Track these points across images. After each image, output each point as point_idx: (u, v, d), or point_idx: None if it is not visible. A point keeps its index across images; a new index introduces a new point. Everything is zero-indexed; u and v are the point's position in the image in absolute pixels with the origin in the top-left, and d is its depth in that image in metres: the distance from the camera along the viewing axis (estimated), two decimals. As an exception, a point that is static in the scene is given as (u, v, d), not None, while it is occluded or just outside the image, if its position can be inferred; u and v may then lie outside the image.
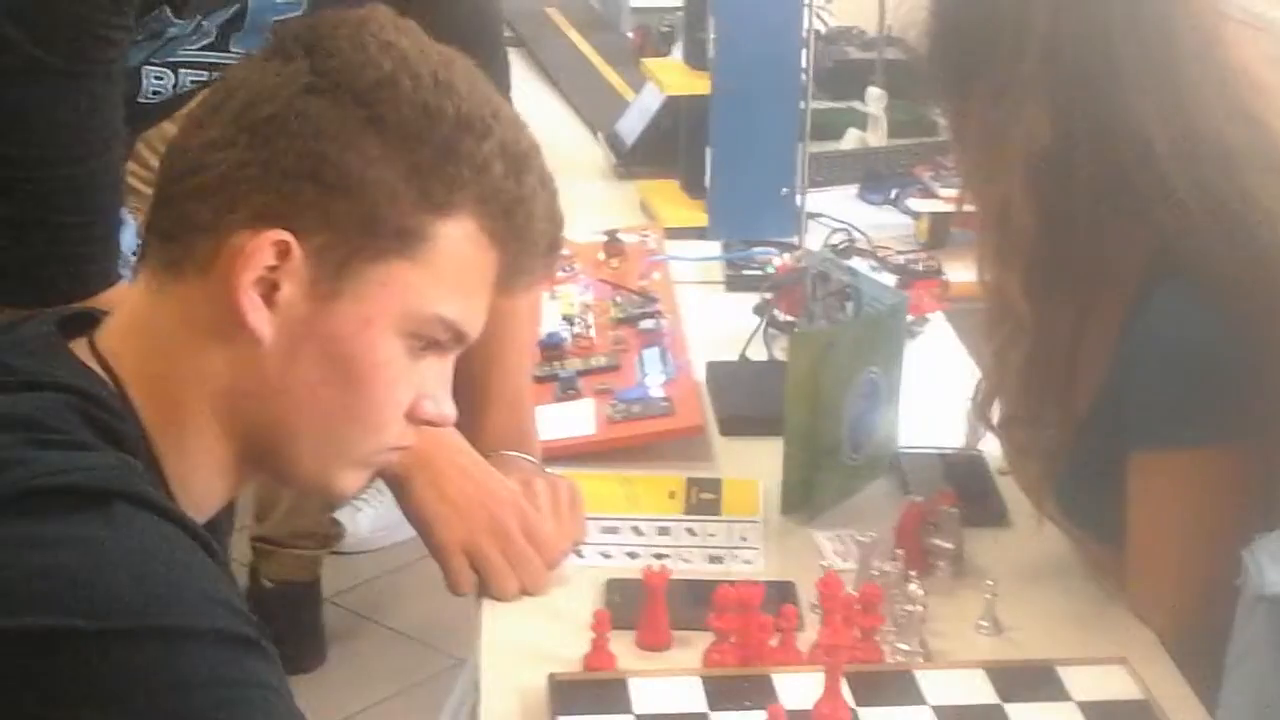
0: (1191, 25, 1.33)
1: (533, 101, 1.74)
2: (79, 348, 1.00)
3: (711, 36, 2.19)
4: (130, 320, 1.02)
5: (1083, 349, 1.38)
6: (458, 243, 1.00)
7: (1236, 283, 1.28)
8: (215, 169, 0.97)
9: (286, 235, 0.96)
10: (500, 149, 1.00)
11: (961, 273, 2.11)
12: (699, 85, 2.24)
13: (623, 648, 1.30)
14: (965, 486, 1.55)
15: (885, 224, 2.32)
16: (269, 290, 0.97)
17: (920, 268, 2.09)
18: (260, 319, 0.97)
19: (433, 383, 1.04)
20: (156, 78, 1.51)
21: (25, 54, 1.26)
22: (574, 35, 3.24)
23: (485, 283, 1.03)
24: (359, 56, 0.99)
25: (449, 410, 1.06)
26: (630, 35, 3.13)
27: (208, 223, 0.97)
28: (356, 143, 0.97)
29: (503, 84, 1.70)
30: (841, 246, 2.15)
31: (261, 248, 0.96)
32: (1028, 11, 1.31)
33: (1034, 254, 1.35)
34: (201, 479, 1.02)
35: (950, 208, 2.21)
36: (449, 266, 1.00)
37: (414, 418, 1.04)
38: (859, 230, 2.23)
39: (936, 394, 1.74)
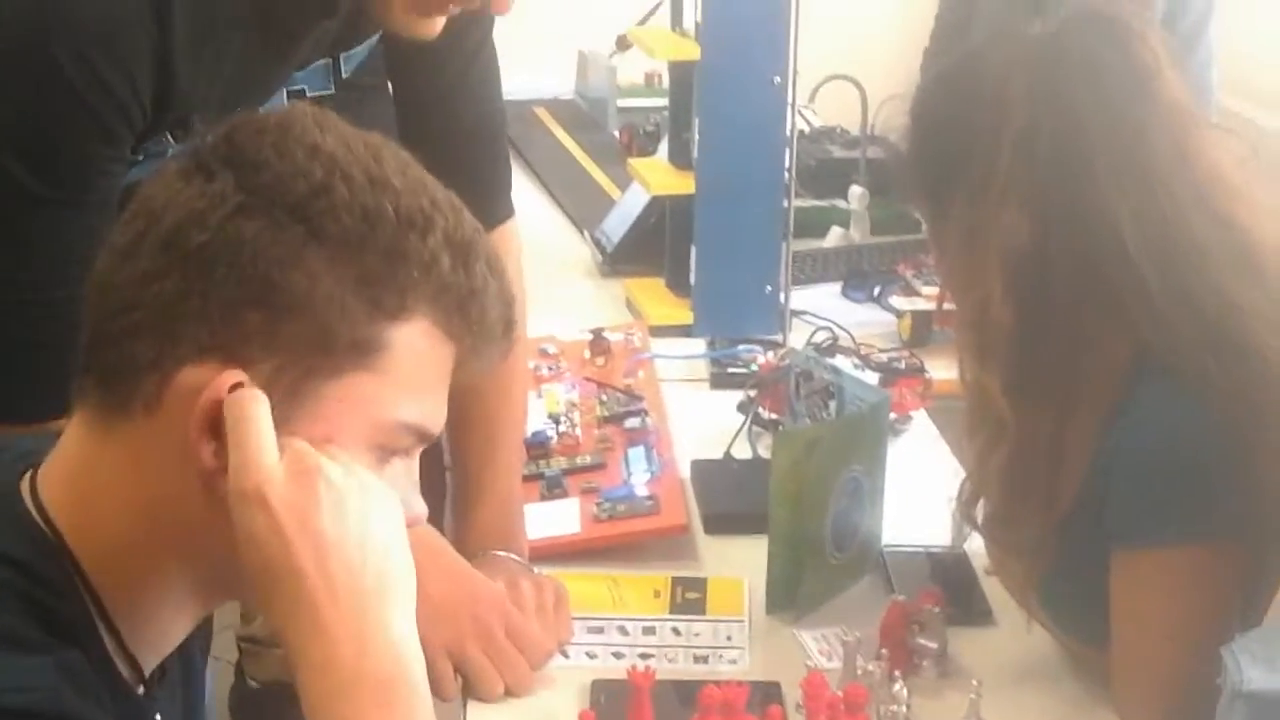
0: (1165, 127, 1.35)
1: (520, 200, 1.77)
2: (28, 488, 0.97)
3: (696, 137, 2.22)
4: (71, 466, 0.97)
5: (1064, 447, 1.39)
6: (414, 345, 0.96)
7: (1216, 382, 1.28)
8: (152, 304, 0.93)
9: (238, 373, 0.92)
10: (445, 240, 0.97)
11: (944, 371, 2.13)
12: (684, 184, 2.26)
13: (608, 749, 1.30)
14: (950, 585, 1.56)
15: (868, 321, 2.34)
16: (220, 423, 0.92)
17: (903, 366, 2.11)
18: (213, 454, 0.93)
19: (401, 484, 1.00)
20: None
21: (27, 188, 1.28)
22: (561, 134, 3.27)
23: (444, 378, 1.00)
24: (287, 167, 0.94)
25: (420, 509, 1.03)
26: (617, 134, 3.16)
27: (151, 360, 0.93)
28: (299, 260, 0.92)
29: (505, 183, 1.73)
30: (825, 345, 2.17)
31: (211, 383, 0.92)
32: (1004, 112, 1.33)
33: (1013, 353, 1.36)
34: (161, 620, 0.99)
35: (932, 306, 2.23)
36: (407, 370, 0.97)
37: None
38: (842, 328, 2.24)
39: (921, 492, 1.75)
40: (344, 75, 1.54)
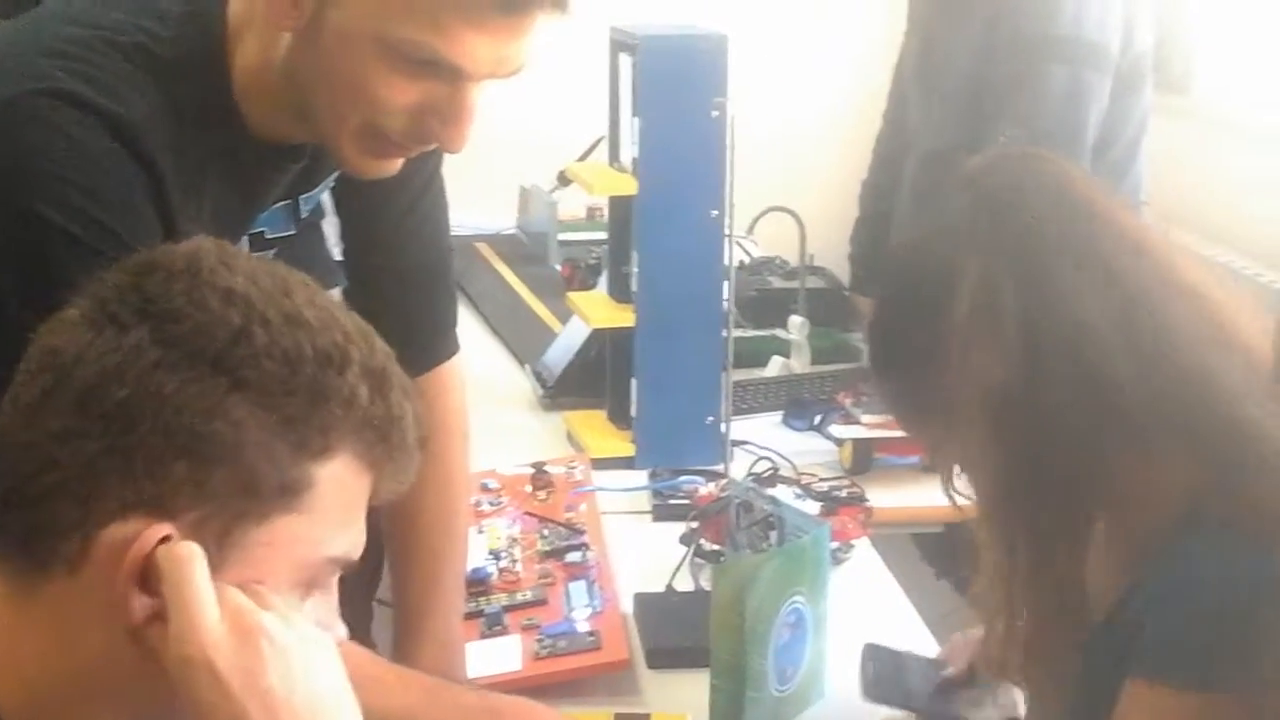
0: (1116, 231, 1.34)
1: (462, 335, 1.77)
2: None
3: (635, 270, 2.24)
4: None
5: (1087, 581, 1.34)
6: (338, 480, 0.96)
7: (1272, 530, 1.23)
8: (72, 463, 0.91)
9: (165, 527, 0.91)
10: (362, 371, 0.97)
11: (885, 498, 2.14)
12: (623, 317, 2.28)
13: None
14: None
15: (810, 450, 2.35)
16: (150, 575, 0.91)
17: (844, 494, 2.11)
18: (145, 607, 0.92)
19: (323, 611, 0.99)
20: None
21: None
22: (503, 269, 3.29)
23: (364, 505, 1.00)
24: (203, 315, 0.94)
25: (341, 632, 1.02)
26: (559, 268, 3.18)
27: (74, 521, 0.91)
28: (222, 410, 0.92)
29: (452, 319, 1.73)
30: (765, 474, 2.17)
31: (140, 537, 0.91)
32: (956, 268, 1.32)
33: (1017, 494, 1.32)
34: None
35: (872, 433, 2.24)
36: (332, 506, 0.96)
37: None
38: (783, 457, 2.25)
39: (865, 621, 1.74)
40: (302, 216, 1.55)
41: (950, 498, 1.41)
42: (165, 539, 0.91)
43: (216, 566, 0.92)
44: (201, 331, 0.93)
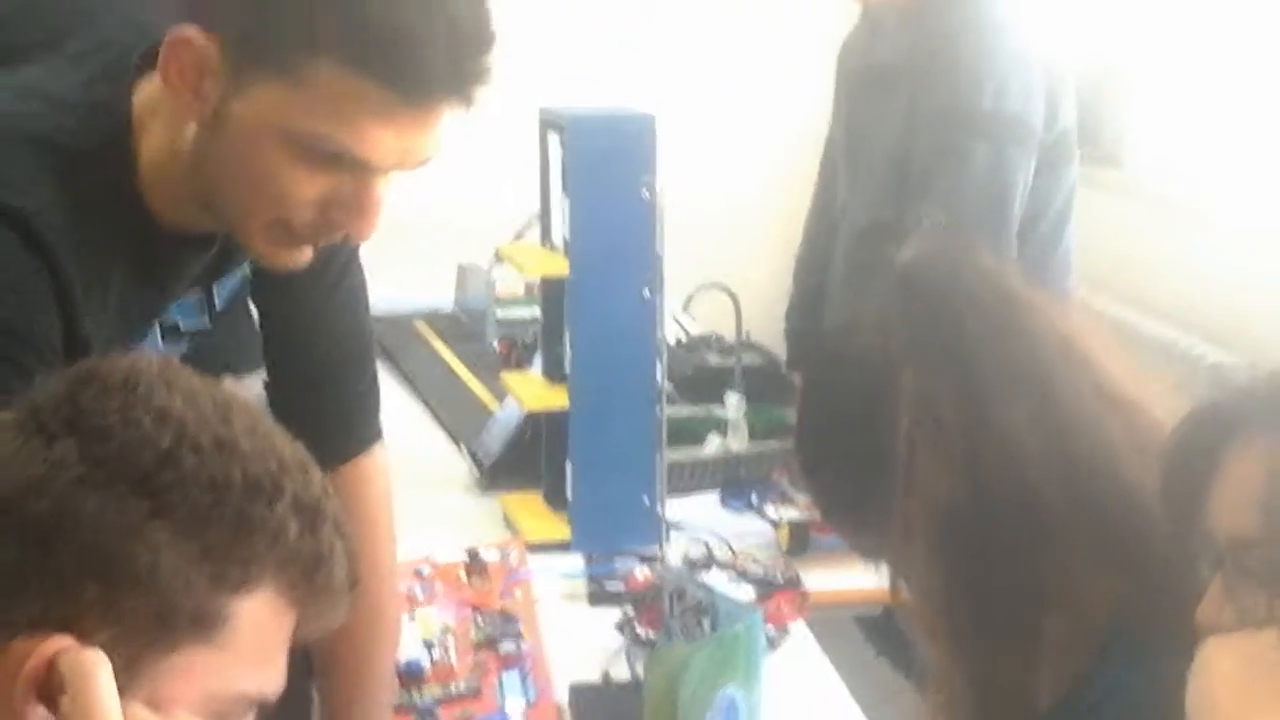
0: (1045, 328, 1.35)
1: (398, 415, 1.76)
2: None
3: (568, 351, 2.23)
4: None
5: (1037, 694, 1.33)
6: (257, 615, 0.93)
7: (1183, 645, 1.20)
8: None
9: (67, 638, 0.88)
10: (293, 504, 0.94)
11: (822, 581, 2.13)
12: (558, 398, 2.27)
13: None
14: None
15: (747, 531, 2.33)
16: (55, 692, 0.88)
17: (780, 578, 2.10)
18: None
19: None
20: None
21: None
22: (440, 347, 3.28)
23: (284, 644, 0.97)
24: (133, 435, 0.91)
25: None
26: (496, 346, 3.17)
27: None
28: (141, 535, 0.89)
29: (374, 407, 1.71)
30: (700, 559, 2.16)
31: (38, 648, 0.88)
32: (892, 379, 1.32)
33: (961, 611, 1.32)
34: None
35: (808, 515, 2.24)
36: (248, 643, 0.93)
37: None
38: (720, 538, 2.24)
39: (801, 707, 1.73)
40: (218, 307, 1.54)
41: (893, 590, 1.40)
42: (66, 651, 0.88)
43: (124, 689, 0.89)
44: (129, 451, 0.91)
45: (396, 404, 2.84)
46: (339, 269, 1.61)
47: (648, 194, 2.14)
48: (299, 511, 0.95)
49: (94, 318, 1.30)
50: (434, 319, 3.47)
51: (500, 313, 3.35)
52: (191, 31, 1.26)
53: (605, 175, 2.15)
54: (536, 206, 2.37)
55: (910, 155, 2.54)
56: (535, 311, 3.18)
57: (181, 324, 1.49)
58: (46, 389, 0.95)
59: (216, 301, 1.52)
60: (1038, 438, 1.29)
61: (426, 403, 2.95)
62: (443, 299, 3.57)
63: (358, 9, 1.21)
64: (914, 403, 1.31)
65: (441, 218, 3.68)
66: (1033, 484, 1.28)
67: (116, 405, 0.92)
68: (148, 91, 1.33)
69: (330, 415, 1.59)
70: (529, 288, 3.50)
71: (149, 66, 1.32)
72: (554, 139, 2.20)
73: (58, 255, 1.27)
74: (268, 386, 1.63)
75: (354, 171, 1.28)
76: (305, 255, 1.37)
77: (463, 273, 3.56)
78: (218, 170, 1.30)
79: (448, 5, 1.23)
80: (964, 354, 1.31)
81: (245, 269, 1.54)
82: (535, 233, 2.45)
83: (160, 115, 1.32)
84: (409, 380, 3.04)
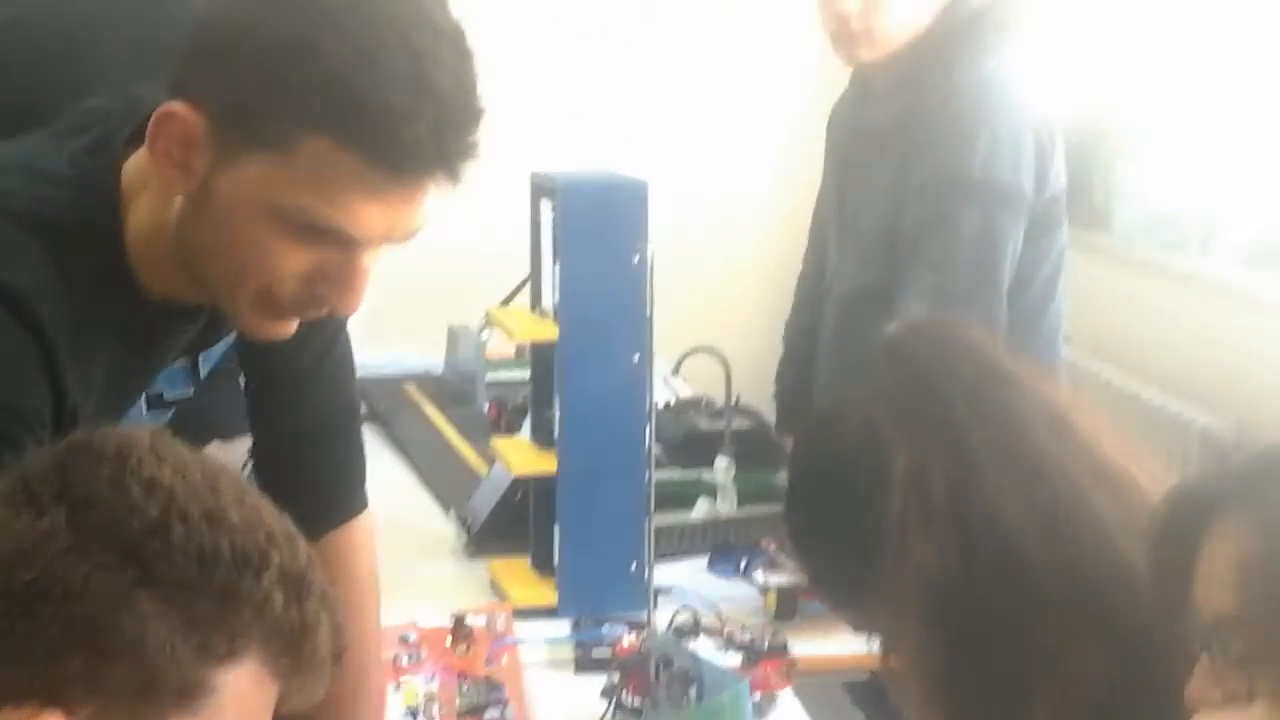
0: (1034, 405, 1.36)
1: (386, 479, 1.76)
2: None
3: (557, 415, 2.23)
4: None
5: None
6: (242, 687, 0.94)
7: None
8: None
9: (56, 715, 0.89)
10: (280, 577, 0.95)
11: (810, 647, 2.12)
12: (546, 463, 2.26)
13: None
14: None
15: (735, 596, 2.32)
16: None
17: (766, 645, 2.09)
18: None
19: None
20: None
21: None
22: (430, 410, 3.27)
23: (268, 714, 0.98)
24: (122, 504, 0.93)
25: None
26: (486, 409, 3.16)
27: None
28: (128, 603, 0.91)
29: (359, 478, 1.71)
30: (687, 625, 2.15)
31: None
32: (882, 464, 1.33)
33: (953, 685, 1.32)
34: None
35: (797, 580, 2.22)
36: (233, 713, 0.94)
37: None
38: (708, 604, 2.23)
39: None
40: (202, 376, 1.54)
41: (883, 659, 1.39)
42: None
43: None
44: (118, 520, 0.92)
45: (385, 467, 2.83)
46: (326, 338, 1.61)
47: (639, 260, 2.14)
48: (285, 583, 0.96)
49: (82, 391, 1.31)
50: (424, 381, 3.46)
51: (491, 375, 3.35)
52: (179, 106, 1.26)
53: (596, 241, 2.15)
54: (527, 270, 2.38)
55: (900, 220, 2.54)
56: (526, 373, 3.18)
57: (166, 393, 1.49)
58: (37, 461, 0.96)
59: (201, 370, 1.52)
60: (1028, 515, 1.29)
61: (416, 466, 2.94)
62: (433, 361, 3.57)
63: (345, 86, 1.22)
64: (904, 480, 1.31)
65: (432, 279, 3.69)
66: (1024, 561, 1.28)
67: (106, 475, 0.94)
68: (135, 165, 1.33)
69: (316, 484, 1.58)
70: (520, 349, 3.49)
71: (137, 140, 1.33)
72: (545, 204, 2.21)
73: (47, 331, 1.27)
74: (253, 453, 1.63)
75: (340, 245, 1.28)
76: (290, 327, 1.37)
77: (453, 335, 3.55)
78: (204, 243, 1.30)
79: (435, 82, 1.23)
80: (953, 432, 1.32)
81: (232, 337, 1.54)
82: (526, 296, 2.45)
83: (148, 189, 1.33)
84: (398, 444, 3.03)
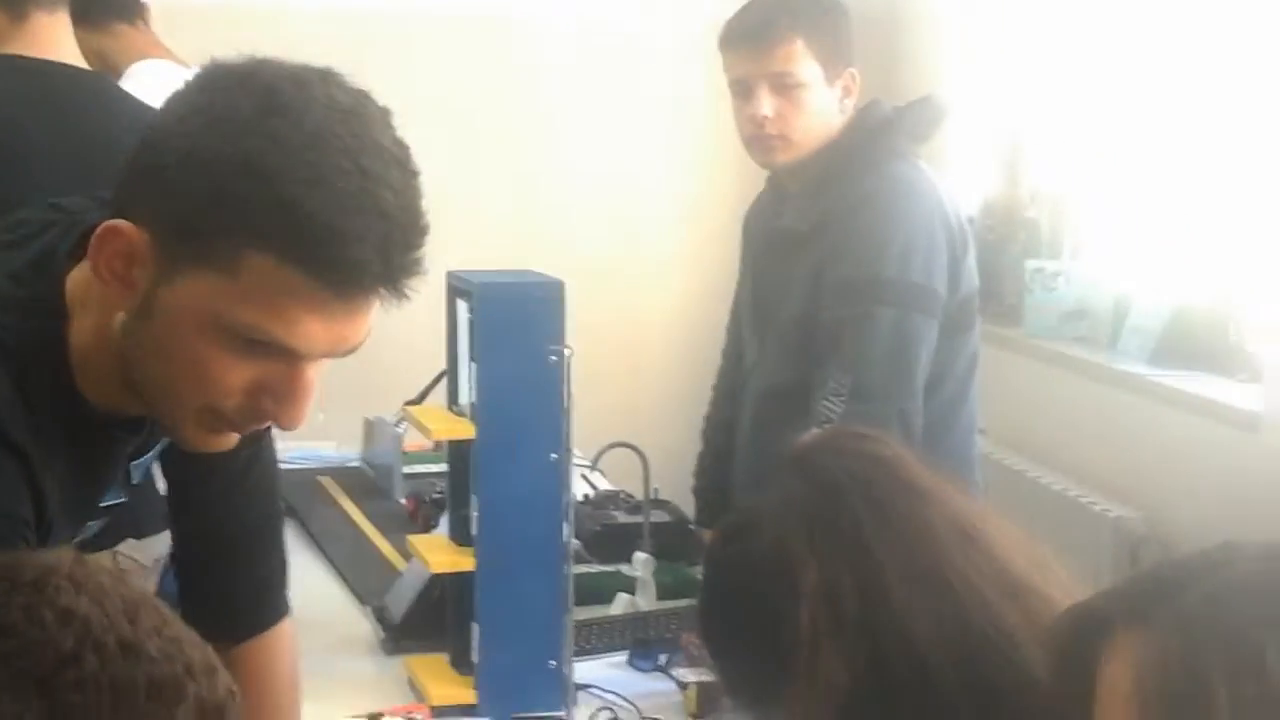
0: (943, 519, 1.38)
1: (301, 574, 1.75)
2: None
3: (474, 514, 2.23)
4: None
5: None
6: None
7: None
8: None
9: None
10: (196, 708, 0.95)
11: (729, 746, 2.12)
12: (464, 561, 2.25)
13: None
14: None
15: (656, 691, 2.32)
16: None
17: (686, 744, 2.09)
18: None
19: None
20: None
21: None
22: (346, 503, 3.25)
23: None
24: (35, 634, 0.92)
25: None
26: (404, 502, 3.15)
27: None
28: None
29: (281, 583, 1.70)
30: (606, 724, 2.14)
31: None
32: (793, 571, 1.34)
33: None
34: None
35: (715, 678, 2.22)
36: None
37: None
38: (627, 701, 2.22)
39: None
40: (134, 481, 1.53)
41: None
42: None
43: None
44: (30, 650, 0.91)
45: (301, 563, 2.80)
46: (253, 449, 1.60)
47: (556, 359, 2.16)
48: (202, 716, 0.95)
49: (52, 503, 1.31)
50: (340, 474, 3.44)
51: (408, 467, 3.34)
52: (122, 223, 1.27)
53: (513, 341, 2.16)
54: (441, 363, 2.38)
55: (815, 321, 2.58)
56: (444, 465, 3.17)
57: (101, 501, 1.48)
58: None
59: (134, 477, 1.51)
60: (938, 631, 1.31)
61: (331, 561, 2.92)
62: (349, 454, 3.55)
63: (290, 205, 1.22)
64: (814, 594, 1.32)
65: (349, 371, 3.67)
66: (933, 677, 1.30)
67: (22, 603, 0.93)
68: (77, 280, 1.34)
69: (238, 591, 1.58)
70: (439, 442, 3.49)
71: (76, 254, 1.33)
72: (462, 305, 2.22)
73: (20, 447, 1.28)
74: (174, 557, 1.63)
75: (284, 359, 1.28)
76: (232, 440, 1.37)
77: (370, 427, 3.54)
78: (147, 357, 1.30)
79: (380, 200, 1.24)
80: (862, 548, 1.34)
81: (161, 446, 1.54)
82: (442, 392, 2.45)
83: (90, 303, 1.33)
84: (314, 538, 3.01)
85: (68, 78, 2.11)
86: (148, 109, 2.35)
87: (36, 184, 1.76)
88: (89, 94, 2.12)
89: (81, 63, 2.17)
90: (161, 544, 2.01)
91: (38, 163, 1.95)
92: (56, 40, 2.15)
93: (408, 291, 1.28)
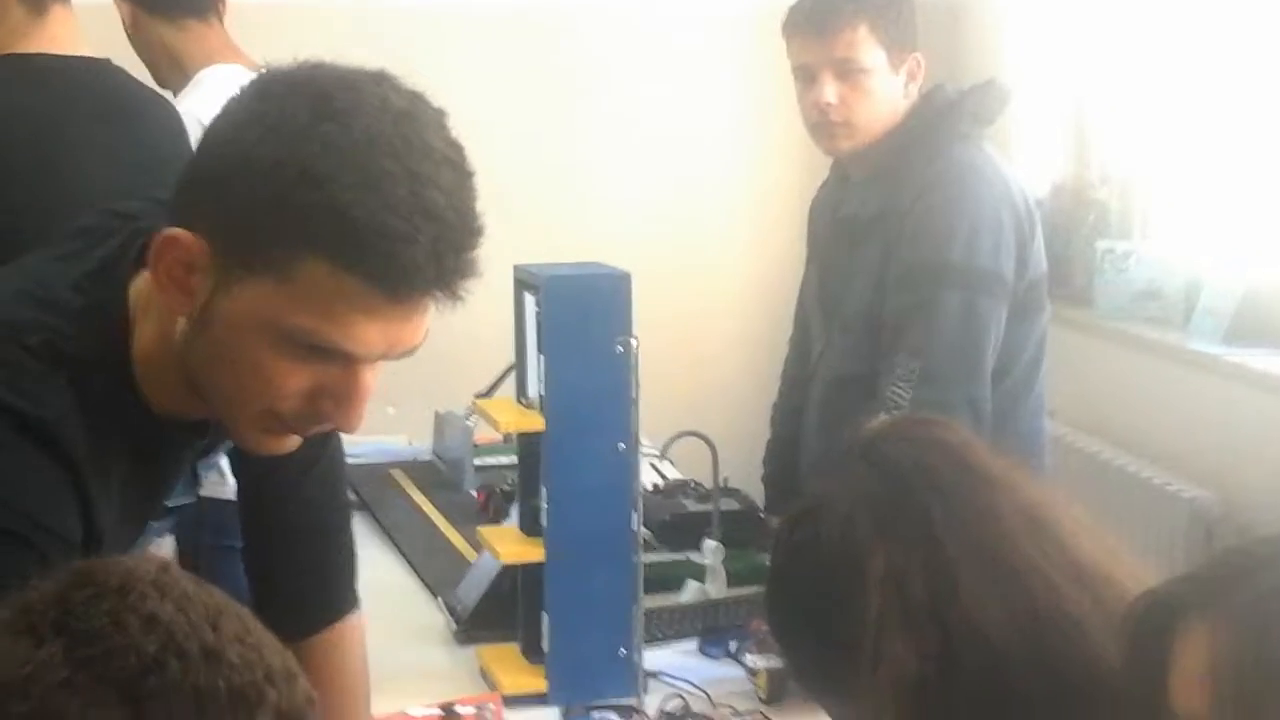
0: (1011, 505, 1.37)
1: (373, 566, 1.77)
2: None
3: (544, 505, 2.24)
4: None
5: None
6: None
7: None
8: None
9: None
10: (275, 715, 0.96)
11: (799, 732, 2.12)
12: (534, 552, 2.27)
13: None
14: None
15: (726, 678, 2.33)
16: None
17: (757, 730, 2.09)
18: None
19: None
20: None
21: None
22: (418, 496, 3.27)
23: None
24: (120, 639, 0.93)
25: None
26: (474, 494, 3.17)
27: None
28: None
29: (349, 578, 1.72)
30: (677, 710, 2.15)
31: None
32: (859, 565, 1.34)
33: None
34: None
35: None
36: None
37: None
38: (697, 688, 2.23)
39: None
40: (202, 483, 1.55)
41: None
42: None
43: None
44: (115, 656, 0.92)
45: (373, 555, 2.84)
46: (319, 443, 1.62)
47: (623, 350, 2.17)
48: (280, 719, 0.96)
49: (106, 513, 1.33)
50: (411, 468, 3.47)
51: (479, 459, 3.36)
52: (180, 231, 1.29)
53: (581, 334, 2.17)
54: (510, 356, 2.39)
55: (881, 308, 2.57)
56: (515, 457, 3.19)
57: (169, 502, 1.51)
58: (40, 589, 0.97)
59: (202, 478, 1.54)
60: (1007, 619, 1.30)
61: (403, 553, 2.95)
62: (420, 448, 3.58)
63: (341, 210, 1.23)
64: (882, 583, 1.32)
65: (419, 364, 3.70)
66: (1002, 664, 1.29)
67: (107, 608, 0.94)
68: (139, 288, 1.36)
69: (307, 585, 1.60)
70: (507, 435, 3.51)
71: (140, 262, 1.35)
72: (529, 298, 2.23)
73: (75, 461, 1.30)
74: (244, 553, 1.65)
75: (341, 363, 1.30)
76: (292, 443, 1.39)
77: (440, 420, 3.57)
78: (207, 363, 1.32)
79: (430, 202, 1.25)
80: (930, 536, 1.33)
81: (226, 449, 1.56)
82: (511, 384, 2.47)
83: (152, 310, 1.35)
84: (386, 531, 3.04)
85: (94, 74, 2.14)
86: (170, 107, 2.39)
87: (74, 189, 1.79)
88: (119, 93, 2.16)
89: (87, 49, 2.20)
90: (164, 549, 2.04)
91: (84, 166, 1.98)
92: (73, 33, 2.19)
93: (462, 293, 1.29)
